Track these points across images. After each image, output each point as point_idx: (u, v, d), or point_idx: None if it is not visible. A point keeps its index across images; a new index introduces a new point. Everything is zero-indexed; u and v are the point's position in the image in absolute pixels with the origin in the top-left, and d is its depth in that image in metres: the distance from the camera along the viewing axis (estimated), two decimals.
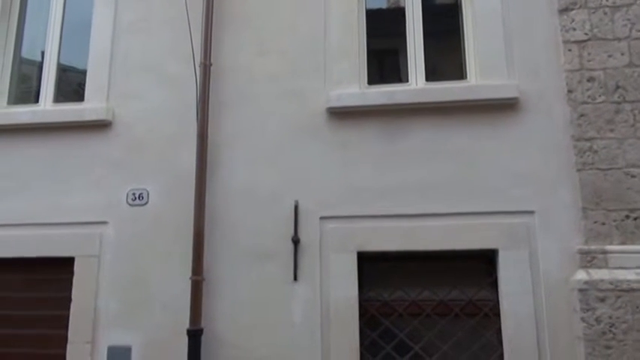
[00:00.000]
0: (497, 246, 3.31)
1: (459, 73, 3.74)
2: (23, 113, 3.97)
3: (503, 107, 3.46)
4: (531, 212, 3.32)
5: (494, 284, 3.36)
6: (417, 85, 3.67)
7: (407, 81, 3.73)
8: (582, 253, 3.20)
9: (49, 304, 3.67)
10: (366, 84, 3.74)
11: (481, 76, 3.55)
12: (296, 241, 3.44)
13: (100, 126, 3.84)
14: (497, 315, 3.30)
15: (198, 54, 3.73)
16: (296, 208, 3.49)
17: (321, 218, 3.48)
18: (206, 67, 3.71)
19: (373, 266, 3.48)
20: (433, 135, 3.51)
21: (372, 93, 3.63)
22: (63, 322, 3.57)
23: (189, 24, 3.78)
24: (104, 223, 3.70)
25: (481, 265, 3.44)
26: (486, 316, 3.34)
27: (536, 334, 3.17)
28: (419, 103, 3.54)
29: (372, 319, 3.42)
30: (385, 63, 4.11)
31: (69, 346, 3.53)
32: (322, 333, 3.33)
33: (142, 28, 3.98)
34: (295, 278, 3.41)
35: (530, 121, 3.44)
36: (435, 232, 3.37)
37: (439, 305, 3.39)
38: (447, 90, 3.54)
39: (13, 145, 3.92)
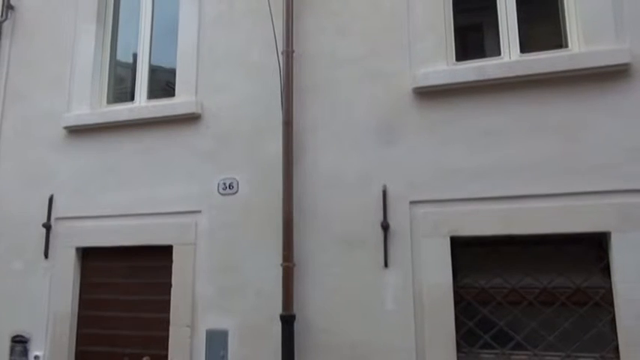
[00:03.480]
0: (609, 228, 3.02)
1: (558, 42, 3.43)
2: (121, 111, 4.23)
3: (612, 75, 3.13)
4: None
5: (605, 270, 3.08)
6: (510, 58, 3.42)
7: (497, 55, 3.49)
8: None
9: (152, 290, 3.90)
10: (454, 60, 3.54)
11: (585, 43, 3.23)
12: (385, 227, 3.36)
13: (190, 119, 3.98)
14: (611, 304, 3.02)
15: (281, 42, 3.74)
16: (384, 192, 3.41)
17: (411, 202, 3.37)
18: (289, 55, 3.71)
19: (468, 252, 3.32)
20: (531, 110, 3.25)
21: (461, 69, 3.44)
22: (165, 307, 3.78)
23: (270, 13, 3.80)
24: (198, 212, 3.84)
25: (590, 249, 3.16)
26: (597, 305, 3.06)
27: None
28: (514, 77, 3.28)
29: (469, 307, 3.26)
30: (470, 39, 3.87)
31: (171, 329, 3.74)
32: (416, 320, 3.24)
33: (225, 20, 4.07)
34: (386, 264, 3.33)
35: None
36: (537, 214, 3.13)
37: (543, 293, 3.16)
38: (545, 61, 3.26)
39: (114, 141, 4.19)
